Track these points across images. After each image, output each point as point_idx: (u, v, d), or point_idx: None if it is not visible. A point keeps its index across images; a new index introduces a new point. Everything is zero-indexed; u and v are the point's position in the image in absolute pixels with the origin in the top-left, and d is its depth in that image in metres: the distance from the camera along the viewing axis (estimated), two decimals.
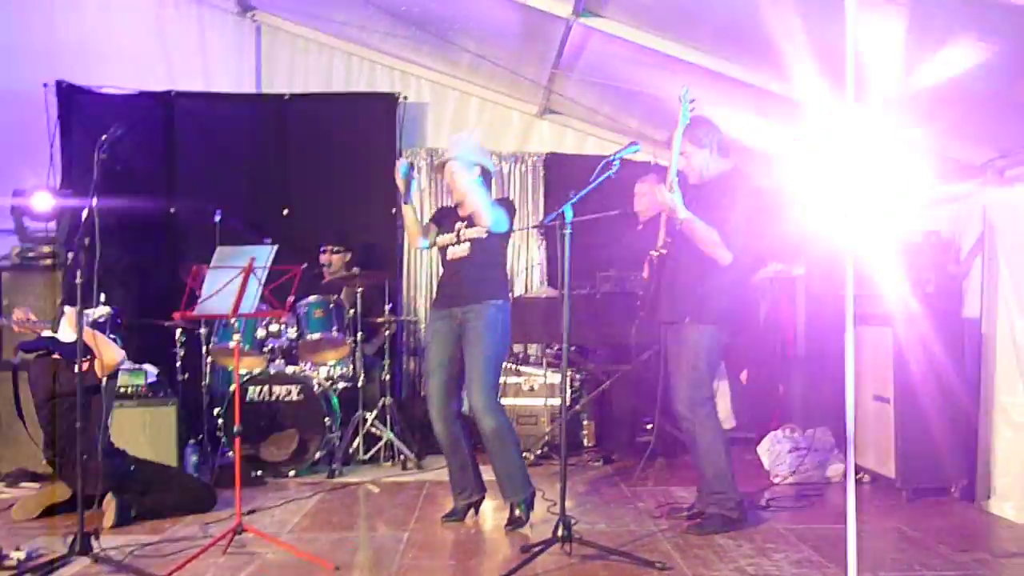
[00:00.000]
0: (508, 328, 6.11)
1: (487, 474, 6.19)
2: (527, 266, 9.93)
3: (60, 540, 5.53)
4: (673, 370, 6.03)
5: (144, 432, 7.16)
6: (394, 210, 9.30)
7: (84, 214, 5.34)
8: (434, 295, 6.56)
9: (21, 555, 5.18)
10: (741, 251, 5.80)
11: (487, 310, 5.98)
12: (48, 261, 8.13)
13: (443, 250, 6.24)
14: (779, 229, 6.77)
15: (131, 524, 6.16)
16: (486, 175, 6.20)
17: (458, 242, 6.12)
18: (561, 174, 9.69)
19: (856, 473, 7.12)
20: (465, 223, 6.13)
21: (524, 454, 7.77)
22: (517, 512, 5.99)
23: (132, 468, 6.41)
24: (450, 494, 6.32)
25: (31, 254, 8.14)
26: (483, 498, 6.29)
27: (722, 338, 5.94)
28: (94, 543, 5.23)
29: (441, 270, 6.39)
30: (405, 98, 9.71)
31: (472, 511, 6.25)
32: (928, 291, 6.85)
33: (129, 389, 7.46)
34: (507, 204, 6.21)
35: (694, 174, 5.97)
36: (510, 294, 6.09)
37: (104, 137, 5.61)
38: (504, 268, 6.31)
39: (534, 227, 9.73)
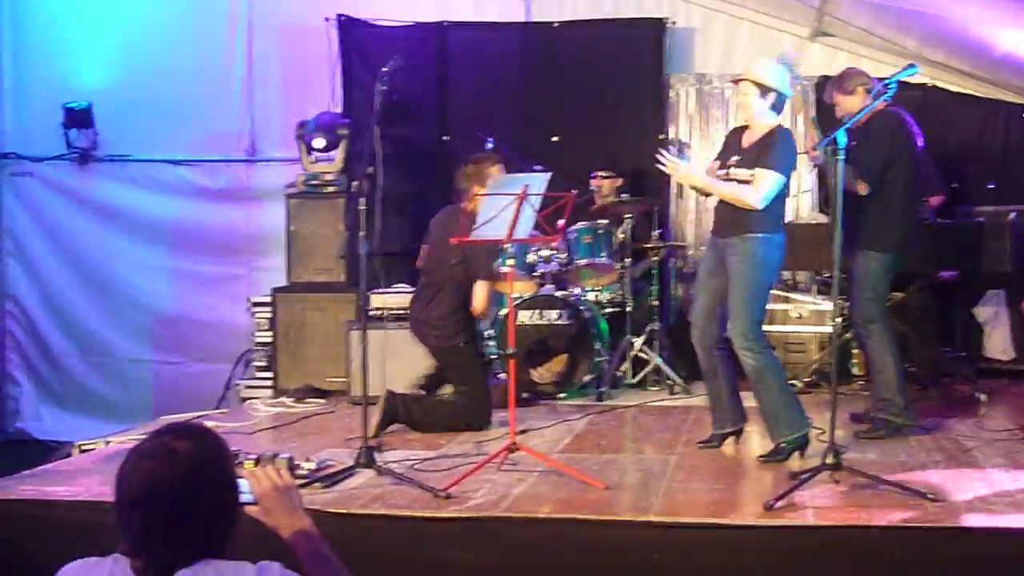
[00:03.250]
0: (773, 261, 5.96)
1: (748, 400, 6.17)
2: (797, 191, 9.75)
3: (347, 452, 5.84)
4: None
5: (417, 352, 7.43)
6: (662, 136, 9.29)
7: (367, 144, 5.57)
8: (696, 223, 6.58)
9: (312, 465, 5.50)
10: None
11: (748, 243, 5.84)
12: (332, 188, 8.49)
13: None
14: None
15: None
16: (778, 104, 5.99)
17: (727, 179, 6.02)
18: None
19: None
20: (740, 158, 5.96)
21: (792, 381, 7.74)
22: (781, 450, 5.86)
23: None
24: None
25: (315, 182, 8.52)
26: (741, 430, 6.23)
27: (885, 261, 6.33)
28: (377, 456, 5.52)
29: None
30: (673, 23, 9.64)
31: (733, 439, 6.23)
32: None
33: (403, 311, 7.72)
34: (779, 147, 5.87)
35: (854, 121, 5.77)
36: (780, 224, 5.96)
37: (384, 69, 5.82)
38: (781, 199, 6.00)
39: (805, 152, 9.53)
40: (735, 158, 5.98)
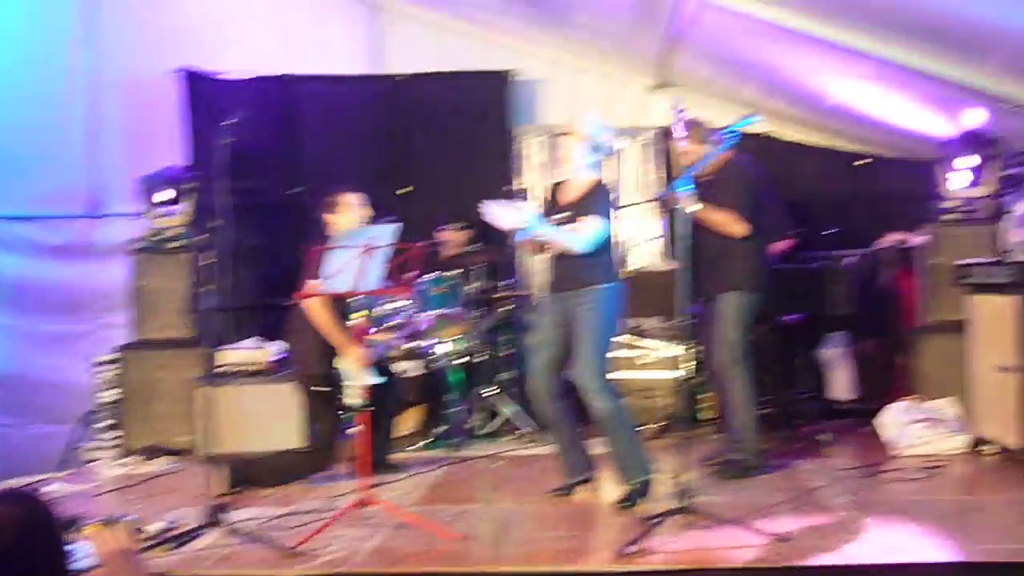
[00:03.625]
0: (617, 311, 6.12)
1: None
2: (646, 239, 9.91)
3: (194, 512, 5.72)
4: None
5: (267, 408, 7.30)
6: (507, 188, 9.37)
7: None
8: (542, 274, 6.63)
9: (159, 526, 5.38)
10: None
11: (597, 293, 5.98)
12: (178, 243, 8.36)
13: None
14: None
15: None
16: (599, 153, 6.16)
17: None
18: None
19: (980, 444, 7.05)
20: (564, 214, 6.09)
21: (644, 426, 7.88)
22: (635, 493, 5.95)
23: None
24: None
25: (161, 236, 8.37)
26: (591, 477, 6.28)
27: (751, 301, 6.61)
28: (225, 515, 5.42)
29: None
30: (518, 75, 9.75)
31: (585, 487, 6.26)
32: None
33: (252, 367, 7.65)
34: (600, 197, 6.05)
35: (698, 168, 6.02)
36: (618, 273, 6.12)
37: (228, 122, 5.78)
38: (609, 251, 6.13)
39: (648, 201, 9.71)
40: (558, 215, 6.09)
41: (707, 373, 7.08)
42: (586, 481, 6.27)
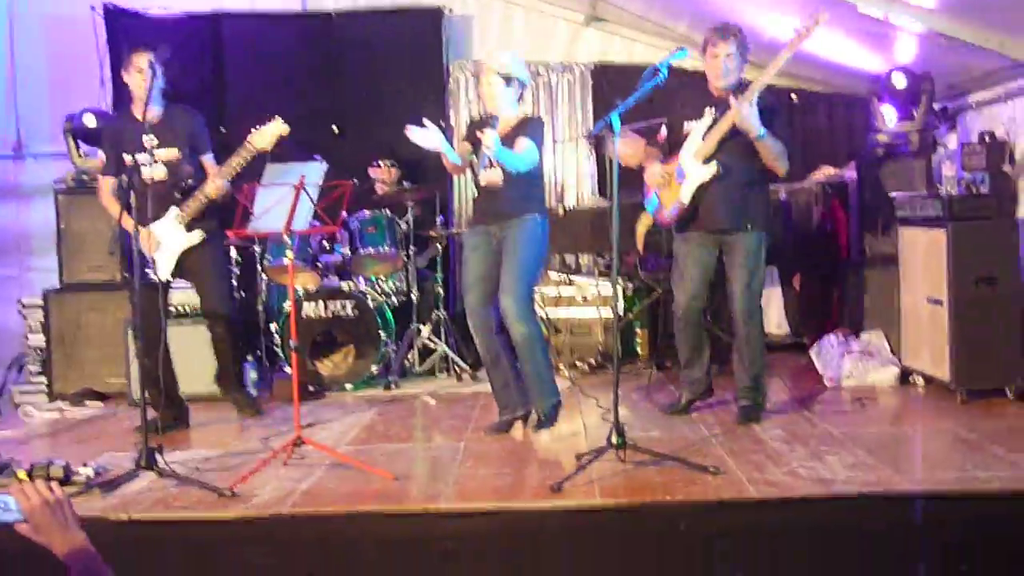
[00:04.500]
0: (545, 242, 6.22)
1: None
2: (577, 176, 9.89)
3: (126, 456, 5.65)
4: (731, 276, 6.22)
5: (201, 349, 7.20)
6: (443, 123, 9.28)
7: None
8: (471, 211, 6.61)
9: (89, 471, 5.29)
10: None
11: (527, 223, 6.06)
12: None
13: (476, 171, 6.25)
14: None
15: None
16: (521, 93, 6.21)
17: (491, 166, 6.10)
18: (609, 83, 9.61)
19: (910, 376, 7.14)
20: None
21: (579, 364, 7.94)
22: (541, 417, 6.21)
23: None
24: None
25: (85, 176, 8.21)
26: (528, 413, 6.30)
27: (766, 241, 6.25)
28: (159, 458, 5.35)
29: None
30: (450, 11, 9.66)
31: (521, 424, 6.29)
32: (982, 192, 6.81)
33: (187, 307, 7.56)
34: (533, 128, 6.12)
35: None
36: (547, 207, 6.18)
37: (151, 59, 5.66)
38: (540, 182, 6.30)
39: (582, 137, 9.68)
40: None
41: (679, 318, 6.46)
42: (524, 417, 6.30)
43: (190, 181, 6.18)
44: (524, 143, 5.98)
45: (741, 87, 6.01)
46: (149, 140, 6.25)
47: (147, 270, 5.98)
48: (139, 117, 6.34)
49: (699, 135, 6.07)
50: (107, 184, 6.53)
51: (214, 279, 6.77)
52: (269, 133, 6.14)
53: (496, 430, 6.26)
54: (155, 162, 6.30)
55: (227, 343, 6.84)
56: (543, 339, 6.26)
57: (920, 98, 7.67)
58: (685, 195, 6.12)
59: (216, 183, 6.20)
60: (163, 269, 6.31)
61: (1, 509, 2.45)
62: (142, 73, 6.22)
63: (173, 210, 6.13)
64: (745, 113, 5.80)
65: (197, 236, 6.43)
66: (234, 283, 8.10)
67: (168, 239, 6.34)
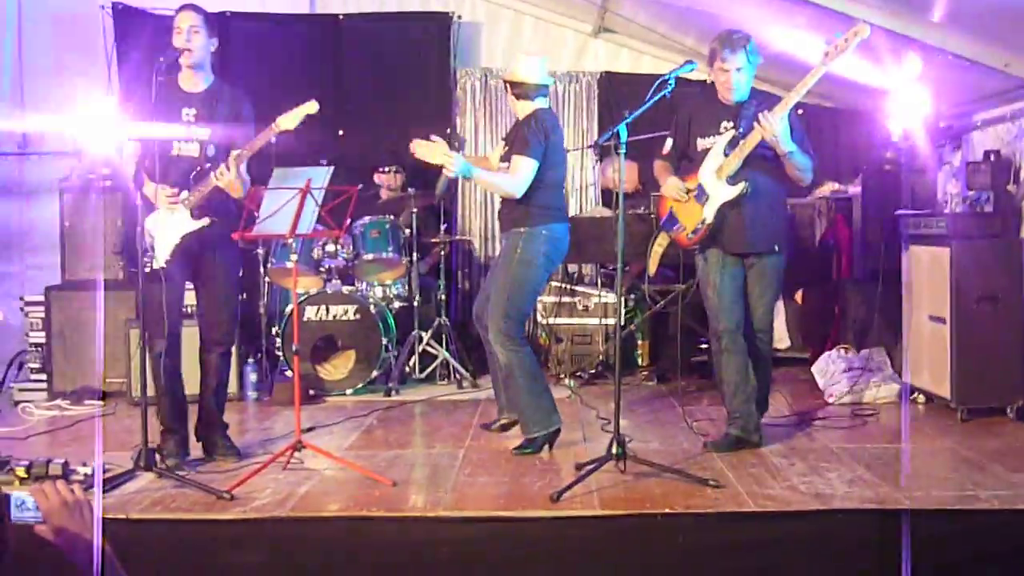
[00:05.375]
0: (537, 256, 5.96)
1: None
2: (582, 185, 9.90)
3: (125, 456, 5.64)
4: (754, 294, 5.99)
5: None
6: (448, 130, 9.28)
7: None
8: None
9: (88, 470, 5.30)
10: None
11: (512, 239, 6.01)
12: (108, 182, 8.20)
13: None
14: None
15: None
16: (542, 96, 6.12)
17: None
18: (616, 93, 9.62)
19: (911, 393, 7.13)
20: (505, 149, 6.14)
21: (579, 373, 7.91)
22: (531, 443, 5.97)
23: None
24: None
25: (91, 175, 8.21)
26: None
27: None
28: (157, 459, 5.35)
29: None
30: (459, 17, 9.66)
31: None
32: (986, 210, 6.81)
33: (188, 308, 7.55)
34: (530, 130, 5.93)
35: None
36: (553, 215, 6.00)
37: (160, 60, 5.64)
38: (543, 189, 5.99)
39: (588, 147, 9.67)
40: (504, 161, 6.08)
41: (723, 348, 5.98)
42: (516, 423, 6.29)
43: (207, 165, 5.85)
44: (516, 164, 5.89)
45: (762, 103, 5.77)
46: (188, 113, 5.91)
47: (146, 259, 5.70)
48: (182, 86, 5.99)
49: (720, 151, 5.80)
50: (129, 148, 5.97)
51: (223, 296, 6.04)
52: (297, 115, 5.96)
53: (492, 428, 6.39)
54: (188, 140, 5.87)
55: (223, 377, 6.10)
56: (531, 366, 5.97)
57: (925, 115, 7.67)
58: (709, 214, 5.81)
59: (225, 175, 5.74)
60: (162, 252, 5.87)
61: (18, 507, 2.43)
62: (181, 34, 5.85)
63: (183, 193, 5.87)
64: (779, 130, 5.55)
65: (202, 223, 5.98)
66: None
67: (172, 219, 5.92)
